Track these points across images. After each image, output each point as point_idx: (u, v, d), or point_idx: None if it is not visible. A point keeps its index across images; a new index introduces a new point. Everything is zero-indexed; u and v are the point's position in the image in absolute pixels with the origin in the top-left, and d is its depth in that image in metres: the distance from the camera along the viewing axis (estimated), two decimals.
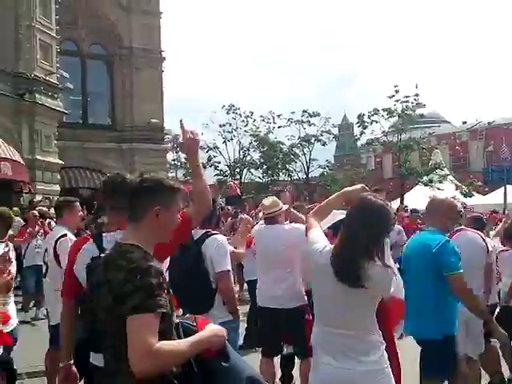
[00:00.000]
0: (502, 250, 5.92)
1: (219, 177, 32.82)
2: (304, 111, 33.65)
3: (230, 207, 10.24)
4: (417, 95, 30.35)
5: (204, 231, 4.09)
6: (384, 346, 2.93)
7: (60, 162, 17.27)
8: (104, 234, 3.03)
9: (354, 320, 2.86)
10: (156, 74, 23.07)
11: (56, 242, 4.87)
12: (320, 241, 2.96)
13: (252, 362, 3.41)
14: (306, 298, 4.89)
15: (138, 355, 1.98)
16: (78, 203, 5.37)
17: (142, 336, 1.99)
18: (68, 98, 19.84)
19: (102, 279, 2.20)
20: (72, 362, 3.14)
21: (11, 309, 4.42)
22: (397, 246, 8.57)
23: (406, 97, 30.03)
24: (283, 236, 5.01)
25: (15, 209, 8.87)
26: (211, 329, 2.26)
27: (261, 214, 5.57)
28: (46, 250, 5.29)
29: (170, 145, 29.19)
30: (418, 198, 23.06)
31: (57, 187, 16.85)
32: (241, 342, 5.92)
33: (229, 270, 4.09)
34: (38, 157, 15.95)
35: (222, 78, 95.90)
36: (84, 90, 21.87)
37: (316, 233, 3.05)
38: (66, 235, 4.83)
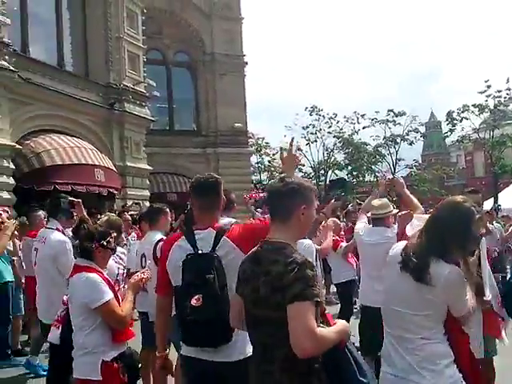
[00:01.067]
0: None
1: (304, 179, 32.77)
2: (389, 110, 32.97)
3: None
4: (509, 89, 28.89)
5: None
6: (453, 360, 2.69)
7: (149, 167, 17.86)
8: (196, 231, 3.13)
9: (414, 323, 2.70)
10: (239, 79, 23.35)
11: (155, 245, 5.06)
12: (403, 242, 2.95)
13: None
14: None
15: (301, 337, 2.17)
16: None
17: (304, 320, 2.17)
18: (155, 106, 20.48)
19: (254, 273, 2.44)
20: (167, 351, 3.34)
21: None
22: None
23: (498, 91, 28.71)
24: (385, 242, 4.97)
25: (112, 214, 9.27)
26: (344, 323, 2.45)
27: (369, 214, 5.53)
28: (144, 255, 5.45)
29: (253, 148, 29.50)
30: None
31: (146, 192, 17.41)
32: None
33: None
34: (129, 163, 16.56)
35: (302, 80, 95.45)
36: (170, 97, 22.53)
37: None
38: (163, 239, 5.00)
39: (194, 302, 2.89)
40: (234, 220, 3.56)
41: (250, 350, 2.72)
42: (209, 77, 22.95)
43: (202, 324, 2.88)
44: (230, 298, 2.82)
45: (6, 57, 11.85)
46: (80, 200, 5.55)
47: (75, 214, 5.70)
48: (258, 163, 34.26)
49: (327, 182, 30.61)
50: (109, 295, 3.54)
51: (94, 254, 3.68)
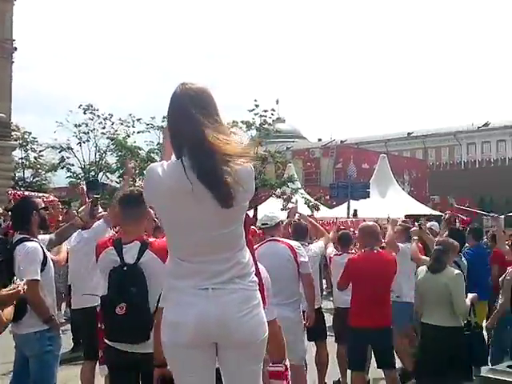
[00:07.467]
0: (336, 255, 6.30)
1: (72, 179, 31.36)
2: (165, 117, 33.32)
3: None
4: (273, 110, 31.50)
5: None
6: None
7: None
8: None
9: None
10: (5, 65, 21.56)
11: None
12: None
13: None
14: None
15: None
16: None
17: None
18: None
19: None
20: None
21: None
22: None
23: (265, 111, 31.04)
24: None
25: None
26: None
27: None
28: None
29: (17, 142, 27.38)
30: (271, 209, 23.76)
31: None
32: None
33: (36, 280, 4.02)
34: None
35: (80, 76, 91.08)
36: None
37: None
38: None
39: (118, 310, 3.36)
40: None
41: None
42: None
43: (126, 329, 3.36)
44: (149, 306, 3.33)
45: None
46: None
47: None
48: (22, 159, 31.76)
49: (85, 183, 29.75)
50: None
51: None
